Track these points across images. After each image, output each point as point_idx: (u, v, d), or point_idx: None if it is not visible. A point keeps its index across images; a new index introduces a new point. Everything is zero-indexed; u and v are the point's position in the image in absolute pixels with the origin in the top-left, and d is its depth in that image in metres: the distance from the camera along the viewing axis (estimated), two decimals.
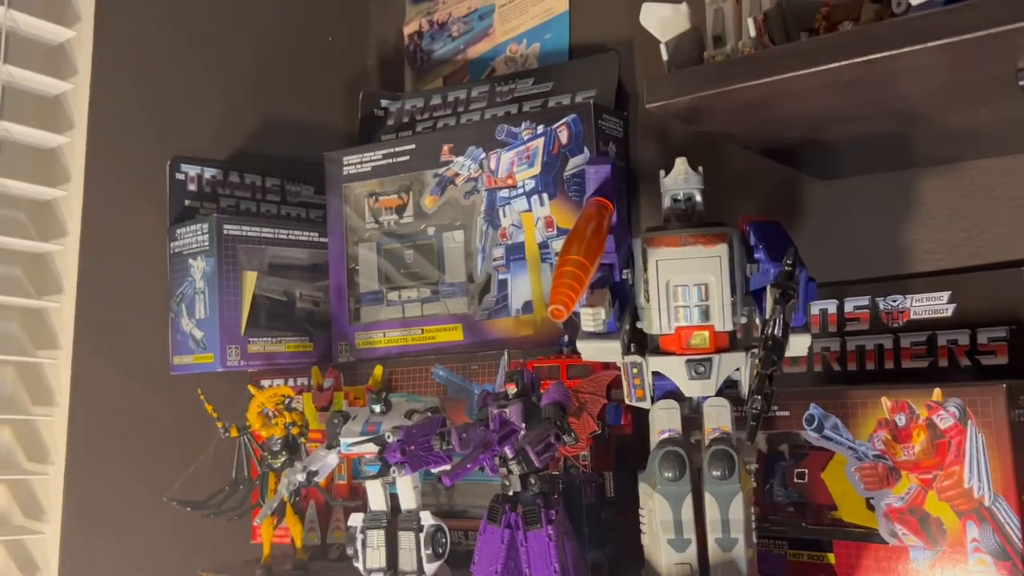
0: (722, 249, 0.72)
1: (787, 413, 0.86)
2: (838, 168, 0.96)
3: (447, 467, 0.80)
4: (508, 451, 0.70)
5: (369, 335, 1.17)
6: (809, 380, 0.97)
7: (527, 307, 1.09)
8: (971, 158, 0.89)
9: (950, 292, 0.90)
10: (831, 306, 0.96)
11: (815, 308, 0.97)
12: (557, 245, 1.07)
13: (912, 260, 0.94)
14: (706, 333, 0.73)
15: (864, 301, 0.95)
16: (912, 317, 0.92)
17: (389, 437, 0.77)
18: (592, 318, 0.68)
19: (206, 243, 1.14)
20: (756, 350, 0.68)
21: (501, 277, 1.11)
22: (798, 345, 0.71)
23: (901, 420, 0.80)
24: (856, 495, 0.82)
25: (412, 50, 1.41)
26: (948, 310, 0.90)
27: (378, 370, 1.13)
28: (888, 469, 0.80)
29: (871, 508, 0.81)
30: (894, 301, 0.93)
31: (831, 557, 0.83)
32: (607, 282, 0.73)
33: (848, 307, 0.95)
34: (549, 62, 1.24)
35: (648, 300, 0.74)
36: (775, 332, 0.64)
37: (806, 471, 0.87)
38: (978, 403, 0.76)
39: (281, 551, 1.05)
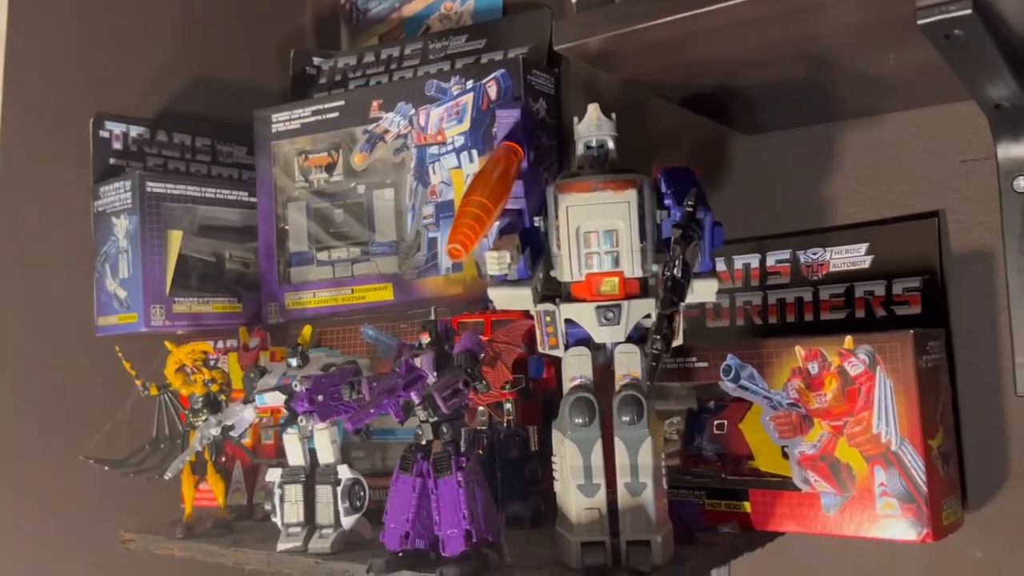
0: (631, 195, 0.72)
1: (706, 364, 0.87)
2: (761, 122, 0.96)
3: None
4: (415, 397, 0.70)
5: (299, 295, 1.16)
6: (732, 334, 0.97)
7: (457, 265, 1.08)
8: (889, 111, 0.90)
9: (868, 244, 0.90)
10: (754, 260, 0.97)
11: (738, 263, 0.98)
12: None
13: (833, 213, 0.94)
14: (616, 279, 0.73)
15: (785, 255, 0.95)
16: (831, 269, 0.92)
17: (296, 386, 0.76)
18: (497, 261, 0.68)
19: (128, 201, 1.11)
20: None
21: (431, 235, 1.10)
22: (704, 290, 0.71)
23: (814, 368, 0.80)
24: (771, 444, 0.83)
25: (348, 8, 1.38)
26: (866, 262, 0.90)
27: (307, 330, 1.12)
28: (801, 417, 0.81)
29: (786, 456, 0.82)
30: (814, 254, 0.93)
31: (747, 506, 0.84)
32: (517, 227, 0.72)
33: (770, 261, 0.96)
34: (483, 19, 1.22)
35: (560, 247, 0.74)
36: (675, 273, 0.64)
37: (725, 422, 0.88)
38: (887, 350, 0.77)
39: (208, 513, 1.04)
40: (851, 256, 0.91)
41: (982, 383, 0.85)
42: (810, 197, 0.95)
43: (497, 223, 0.72)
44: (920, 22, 0.61)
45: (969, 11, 0.59)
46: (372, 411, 0.68)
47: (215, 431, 0.85)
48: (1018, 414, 0.84)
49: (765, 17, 0.65)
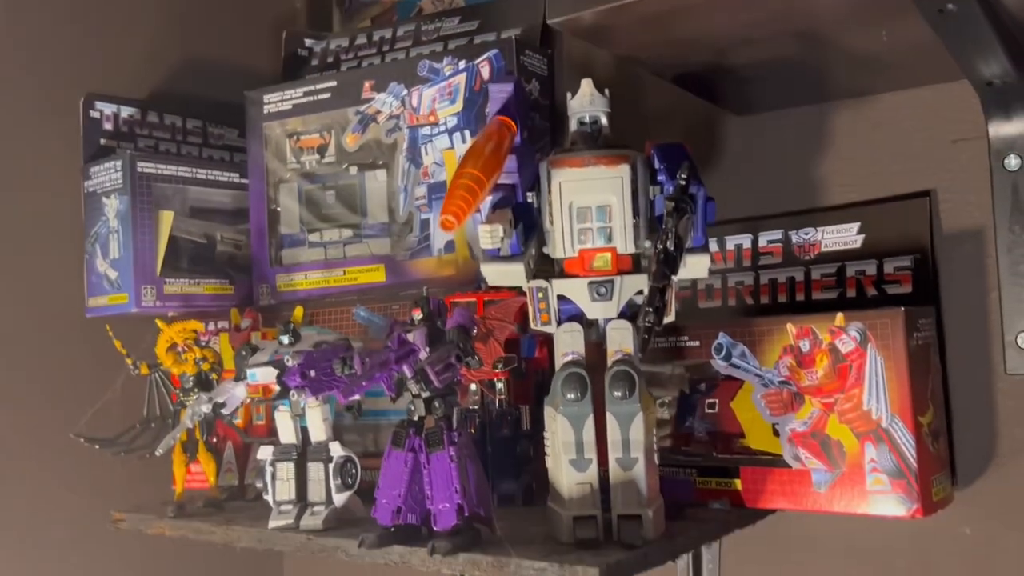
0: (624, 170, 0.72)
1: (697, 343, 0.87)
2: (754, 102, 0.96)
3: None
4: (407, 371, 0.69)
5: (290, 277, 1.15)
6: (724, 315, 0.98)
7: (449, 246, 1.07)
8: (881, 91, 0.90)
9: (859, 224, 0.91)
10: (746, 241, 0.97)
11: (730, 243, 0.98)
12: None
13: (826, 193, 0.94)
14: (608, 255, 0.73)
15: (777, 235, 0.95)
16: (823, 249, 0.93)
17: (288, 361, 0.76)
18: (490, 235, 0.67)
19: (119, 181, 1.10)
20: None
21: (423, 217, 1.09)
22: (696, 266, 0.71)
23: (805, 346, 0.81)
24: (763, 422, 0.83)
25: None
26: (857, 241, 0.91)
27: (298, 311, 1.12)
28: (792, 395, 0.81)
29: (776, 434, 0.82)
30: (806, 234, 0.94)
31: (738, 483, 0.84)
32: (510, 202, 0.72)
33: (762, 241, 0.96)
34: (476, 1, 1.22)
35: (553, 223, 0.74)
36: (667, 246, 0.64)
37: (716, 401, 0.88)
38: (878, 327, 0.77)
39: (200, 494, 1.03)
40: (843, 236, 0.91)
41: (972, 361, 0.85)
42: (802, 178, 0.96)
43: (490, 198, 0.72)
44: None
45: None
46: (364, 384, 0.68)
47: (206, 408, 0.85)
48: (1007, 392, 0.84)
49: None
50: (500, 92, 0.73)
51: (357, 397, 0.81)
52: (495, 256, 0.73)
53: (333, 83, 1.14)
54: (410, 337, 0.73)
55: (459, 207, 0.63)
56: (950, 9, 0.62)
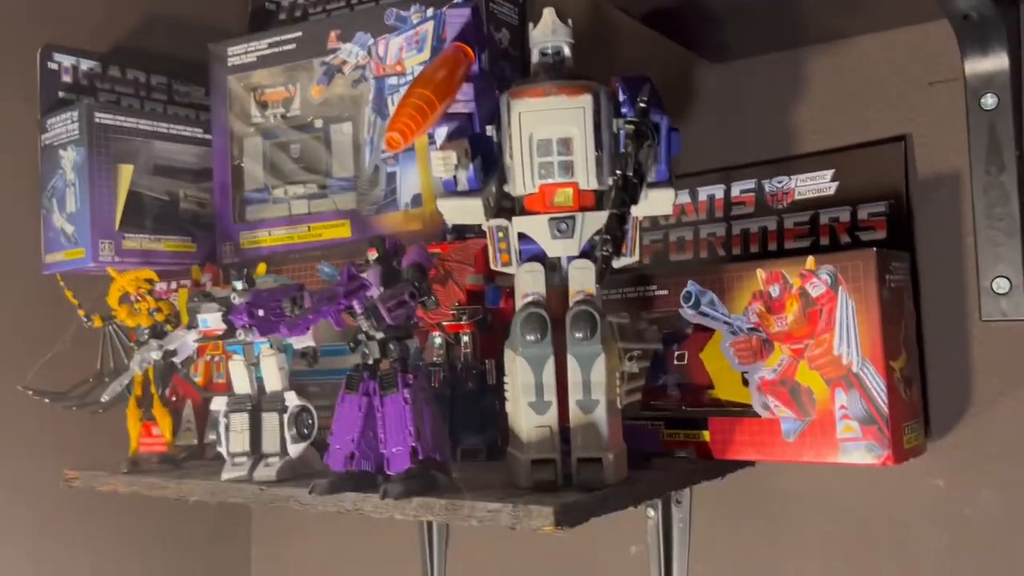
0: (586, 100, 0.69)
1: (666, 292, 0.84)
2: (727, 48, 0.93)
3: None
4: (357, 306, 0.67)
5: (254, 234, 1.12)
6: (697, 267, 0.95)
7: (416, 200, 1.04)
8: (857, 33, 0.87)
9: (834, 170, 0.88)
10: (718, 191, 0.94)
11: (702, 194, 0.95)
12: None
13: (800, 141, 0.92)
14: (570, 191, 0.70)
15: (751, 185, 0.93)
16: (797, 197, 0.90)
17: (235, 299, 0.73)
18: (443, 162, 0.65)
19: (76, 132, 1.07)
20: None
21: (389, 170, 1.06)
22: (660, 201, 0.69)
23: (775, 291, 0.78)
24: (732, 371, 0.81)
25: None
26: (831, 188, 0.88)
27: (261, 267, 1.09)
28: (762, 342, 0.79)
29: (746, 383, 0.80)
30: (779, 183, 0.91)
31: (705, 435, 0.82)
32: (466, 132, 0.69)
33: (735, 191, 0.94)
34: None
35: (512, 157, 0.71)
36: (627, 172, 0.61)
37: (686, 353, 0.85)
38: (849, 269, 0.75)
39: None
40: (816, 183, 0.89)
41: (947, 309, 0.83)
42: (777, 126, 0.93)
43: (446, 128, 0.69)
44: None
45: None
46: (311, 317, 0.65)
47: (155, 355, 0.82)
48: (982, 340, 0.82)
49: None
50: (457, 16, 0.70)
51: (311, 342, 0.79)
52: (453, 191, 0.70)
53: (298, 34, 1.11)
54: (362, 274, 0.70)
55: (406, 124, 0.60)
56: None
